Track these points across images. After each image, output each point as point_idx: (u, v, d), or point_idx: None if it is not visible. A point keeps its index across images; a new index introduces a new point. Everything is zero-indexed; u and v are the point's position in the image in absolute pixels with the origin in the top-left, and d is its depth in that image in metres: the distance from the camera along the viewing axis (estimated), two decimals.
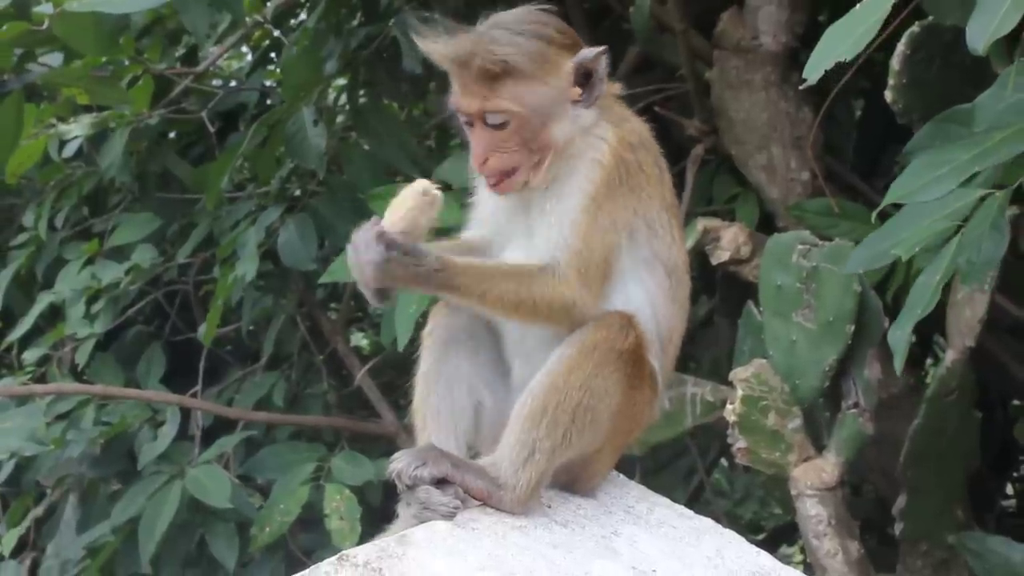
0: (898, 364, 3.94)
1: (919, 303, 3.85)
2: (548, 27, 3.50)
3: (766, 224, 6.22)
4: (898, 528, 5.68)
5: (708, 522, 3.72)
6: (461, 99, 3.48)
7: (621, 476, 3.83)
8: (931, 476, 5.51)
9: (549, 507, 3.52)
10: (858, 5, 3.74)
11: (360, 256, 3.34)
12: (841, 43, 3.66)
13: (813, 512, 5.33)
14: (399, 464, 3.37)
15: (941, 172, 3.78)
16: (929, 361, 7.67)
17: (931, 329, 7.48)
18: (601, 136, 3.55)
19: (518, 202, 3.58)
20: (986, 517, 6.66)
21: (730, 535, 3.67)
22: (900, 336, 3.91)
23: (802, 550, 8.06)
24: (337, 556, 3.13)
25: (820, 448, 5.43)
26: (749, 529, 9.72)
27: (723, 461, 8.96)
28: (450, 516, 3.33)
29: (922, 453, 5.43)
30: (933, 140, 4.10)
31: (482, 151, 3.48)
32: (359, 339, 9.56)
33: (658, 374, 3.64)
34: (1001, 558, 5.42)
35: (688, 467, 8.25)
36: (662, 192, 3.63)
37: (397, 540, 3.19)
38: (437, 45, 3.47)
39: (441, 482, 3.36)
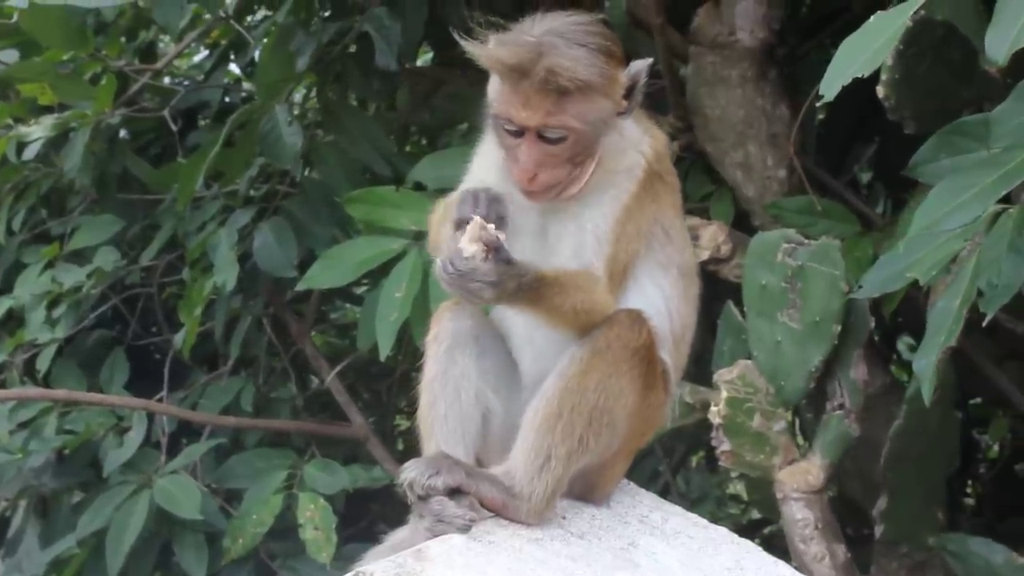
0: (926, 393, 3.85)
1: (942, 329, 3.76)
2: (606, 39, 3.39)
3: (741, 222, 6.16)
4: (878, 530, 5.62)
5: (723, 531, 3.67)
6: (519, 111, 3.30)
7: (632, 484, 3.77)
8: (912, 478, 5.46)
9: (564, 518, 3.45)
10: (872, 18, 3.64)
11: (470, 277, 3.16)
12: (857, 58, 3.55)
13: (799, 516, 5.28)
14: (411, 473, 3.27)
15: (965, 198, 3.64)
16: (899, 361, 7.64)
17: (896, 328, 7.49)
18: (640, 149, 3.51)
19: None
20: (959, 518, 6.66)
21: (747, 545, 3.62)
22: (926, 365, 3.81)
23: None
24: (352, 573, 3.06)
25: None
26: None
27: None
28: (465, 529, 3.25)
29: (903, 454, 5.38)
30: (939, 153, 4.03)
31: (533, 165, 3.33)
32: (316, 341, 9.38)
33: (671, 373, 3.60)
34: (982, 560, 5.40)
35: (653, 468, 8.23)
36: (675, 199, 3.64)
37: (413, 555, 3.12)
38: (496, 51, 3.29)
39: (454, 492, 3.27)
